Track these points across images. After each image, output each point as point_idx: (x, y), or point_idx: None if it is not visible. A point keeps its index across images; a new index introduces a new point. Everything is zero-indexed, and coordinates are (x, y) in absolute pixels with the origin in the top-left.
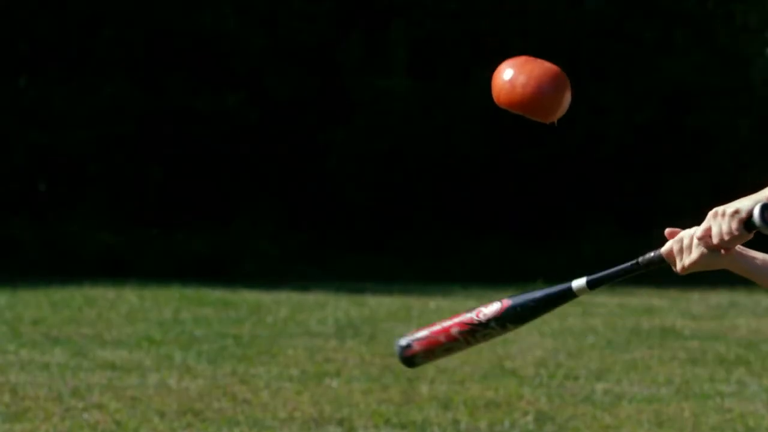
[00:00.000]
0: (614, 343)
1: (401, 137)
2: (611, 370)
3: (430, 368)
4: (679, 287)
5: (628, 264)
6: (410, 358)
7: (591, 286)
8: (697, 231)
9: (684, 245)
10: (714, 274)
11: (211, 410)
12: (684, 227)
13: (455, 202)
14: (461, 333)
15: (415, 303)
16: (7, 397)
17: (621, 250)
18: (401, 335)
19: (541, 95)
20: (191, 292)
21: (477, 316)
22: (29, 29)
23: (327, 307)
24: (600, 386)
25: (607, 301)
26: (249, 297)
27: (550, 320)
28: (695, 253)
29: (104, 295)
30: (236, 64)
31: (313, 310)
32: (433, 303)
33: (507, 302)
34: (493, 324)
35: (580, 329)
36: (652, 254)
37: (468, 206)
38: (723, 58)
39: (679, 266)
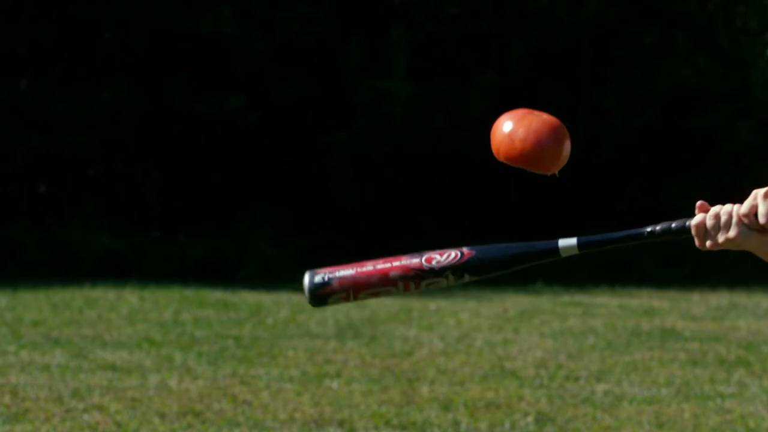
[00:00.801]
0: (614, 345)
1: (402, 140)
2: (611, 371)
3: (430, 369)
4: (680, 288)
5: (637, 230)
6: (323, 297)
7: (582, 246)
8: (740, 209)
9: (722, 222)
10: (714, 274)
11: (211, 411)
12: None
13: (456, 204)
14: (403, 279)
15: (416, 304)
16: (7, 398)
17: (622, 250)
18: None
19: (540, 148)
20: (191, 293)
21: (428, 262)
22: (29, 32)
23: (327, 309)
24: (600, 387)
25: (607, 302)
26: (249, 298)
27: (550, 321)
28: (733, 231)
29: (104, 296)
30: (237, 67)
31: (313, 311)
32: (433, 304)
33: (470, 252)
34: (448, 273)
35: (581, 330)
36: (673, 224)
37: (469, 209)
38: (723, 61)
39: (709, 243)
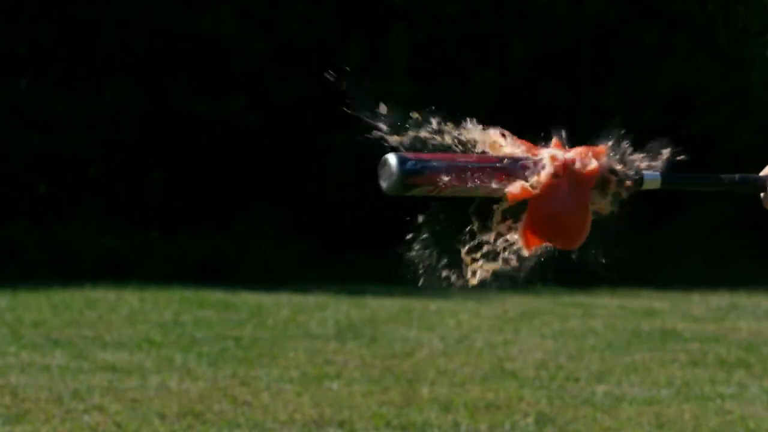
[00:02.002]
0: (615, 345)
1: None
2: (612, 372)
3: (430, 370)
4: (680, 289)
5: (718, 176)
6: (409, 186)
7: (666, 182)
8: None
9: None
10: (714, 275)
11: (211, 412)
12: (686, 228)
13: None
14: (492, 180)
15: (416, 305)
16: (7, 399)
17: (621, 251)
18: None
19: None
20: (192, 294)
21: (523, 169)
22: (29, 32)
23: (327, 309)
24: (600, 388)
25: (607, 302)
26: (250, 299)
27: (550, 322)
28: None
29: (105, 297)
30: (237, 67)
31: (313, 312)
32: (433, 305)
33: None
34: (533, 183)
35: (581, 331)
36: (751, 176)
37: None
38: (724, 61)
39: None
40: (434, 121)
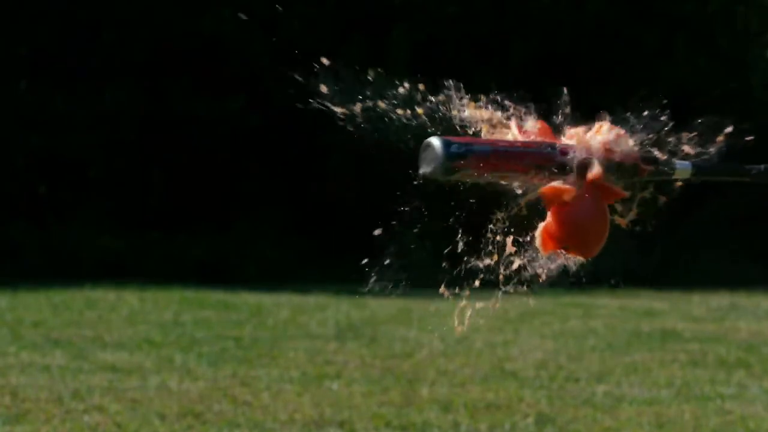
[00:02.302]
0: (615, 346)
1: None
2: (612, 373)
3: (430, 370)
4: (680, 289)
5: (746, 166)
6: (452, 170)
7: (696, 171)
8: None
9: None
10: (714, 276)
11: (211, 412)
12: (687, 227)
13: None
14: (536, 168)
15: (415, 305)
16: (7, 400)
17: (624, 251)
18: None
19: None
20: (192, 294)
21: (563, 154)
22: (29, 32)
23: (327, 310)
24: (600, 388)
25: (607, 303)
26: (249, 299)
27: (551, 322)
28: None
29: (105, 297)
30: (237, 67)
31: (313, 312)
32: (433, 306)
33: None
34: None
35: (581, 331)
36: None
37: (469, 210)
38: (724, 62)
39: None
40: (442, 97)
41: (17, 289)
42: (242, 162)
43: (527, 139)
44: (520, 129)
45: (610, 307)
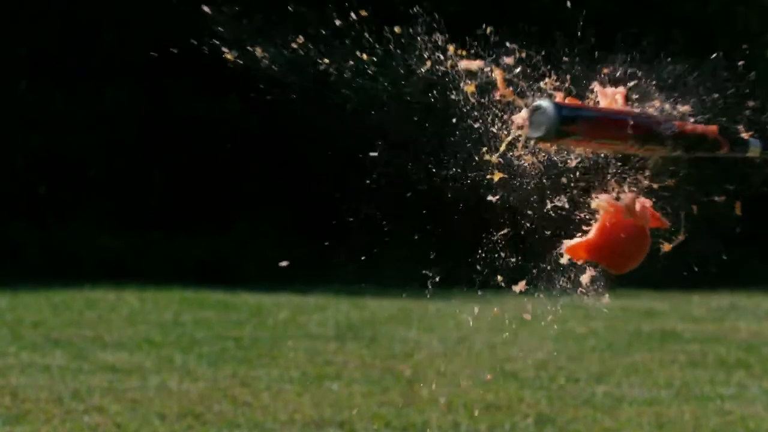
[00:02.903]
0: (615, 346)
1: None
2: (612, 373)
3: (430, 371)
4: (680, 290)
5: None
6: (561, 133)
7: (765, 148)
8: None
9: None
10: (714, 277)
11: (211, 413)
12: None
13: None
14: (634, 138)
15: (415, 306)
16: (7, 400)
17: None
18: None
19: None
20: (192, 294)
21: (657, 125)
22: (29, 32)
23: (327, 310)
24: (600, 389)
25: (608, 304)
26: (250, 299)
27: (550, 323)
28: None
29: (105, 297)
30: (236, 68)
31: (313, 312)
32: (432, 306)
33: (693, 127)
34: (672, 142)
35: (581, 332)
36: None
37: (469, 210)
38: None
39: None
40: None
41: (17, 289)
42: (242, 162)
43: (625, 108)
44: (604, 93)
45: (611, 308)
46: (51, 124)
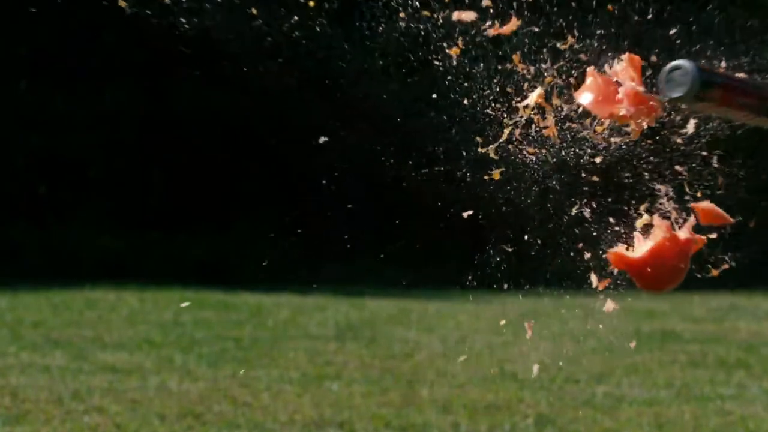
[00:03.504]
0: (615, 347)
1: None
2: (612, 374)
3: (429, 371)
4: (680, 290)
5: None
6: (698, 97)
7: None
8: None
9: None
10: (714, 277)
11: (211, 413)
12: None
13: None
14: (749, 107)
15: (415, 306)
16: (7, 400)
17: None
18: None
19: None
20: (192, 294)
21: None
22: (29, 32)
23: (327, 310)
24: (600, 389)
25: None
26: (250, 299)
27: (550, 324)
28: None
29: (105, 297)
30: (236, 68)
31: (313, 312)
32: (432, 307)
33: None
34: None
35: (581, 333)
36: None
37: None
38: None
39: None
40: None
41: (17, 289)
42: (242, 162)
43: (747, 77)
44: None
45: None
46: (51, 124)
